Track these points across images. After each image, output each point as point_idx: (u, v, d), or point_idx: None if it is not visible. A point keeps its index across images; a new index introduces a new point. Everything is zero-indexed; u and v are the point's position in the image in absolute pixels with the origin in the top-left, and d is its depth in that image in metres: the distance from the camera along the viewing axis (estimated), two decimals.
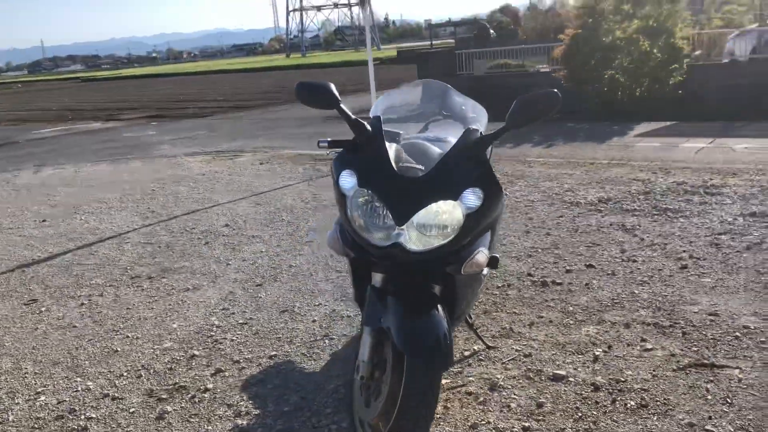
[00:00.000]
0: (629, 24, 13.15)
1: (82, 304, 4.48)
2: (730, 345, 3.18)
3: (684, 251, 4.46)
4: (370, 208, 2.33)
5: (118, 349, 3.72)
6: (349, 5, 76.94)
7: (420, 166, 2.37)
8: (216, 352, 3.58)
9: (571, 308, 3.73)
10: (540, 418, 2.72)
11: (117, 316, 4.21)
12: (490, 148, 2.65)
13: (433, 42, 48.55)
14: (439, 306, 2.39)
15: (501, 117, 2.42)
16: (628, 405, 2.76)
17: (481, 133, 2.49)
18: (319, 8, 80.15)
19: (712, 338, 3.26)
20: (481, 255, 2.42)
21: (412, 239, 2.28)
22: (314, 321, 3.89)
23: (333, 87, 2.54)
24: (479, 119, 2.61)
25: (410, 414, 2.25)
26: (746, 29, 14.42)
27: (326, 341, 3.61)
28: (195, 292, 4.54)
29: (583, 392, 2.88)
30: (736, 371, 2.95)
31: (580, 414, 2.73)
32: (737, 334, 3.27)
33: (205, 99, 26.17)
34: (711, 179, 6.55)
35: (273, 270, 4.86)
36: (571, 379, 2.99)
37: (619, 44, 13.06)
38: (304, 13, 76.73)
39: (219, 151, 11.48)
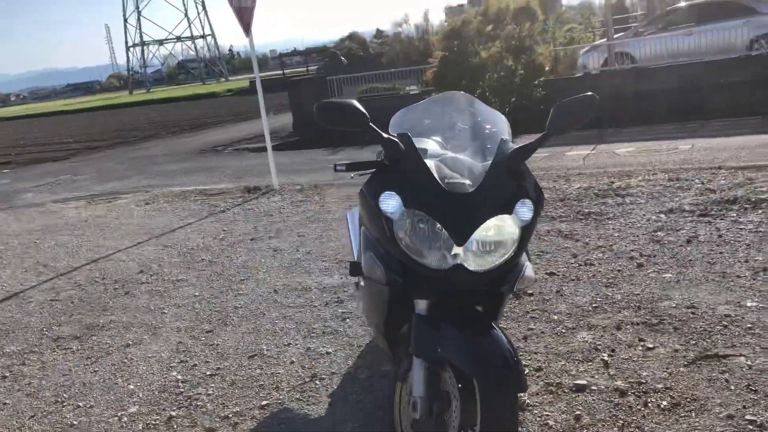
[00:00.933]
0: (493, 44, 13.80)
1: (4, 376, 3.87)
2: (722, 334, 3.29)
3: (632, 250, 4.62)
4: (422, 230, 2.16)
5: (74, 423, 3.23)
6: (192, 38, 74.83)
7: (467, 181, 2.23)
8: (196, 410, 3.20)
9: (555, 317, 3.72)
10: (584, 431, 2.64)
11: (54, 386, 3.67)
12: None
13: (285, 71, 48.49)
14: (493, 325, 2.26)
15: None
16: (662, 405, 2.75)
17: (512, 142, 2.40)
18: (161, 42, 77.12)
19: (703, 330, 3.35)
20: (530, 270, 2.33)
21: (472, 259, 2.13)
22: (292, 362, 3.60)
23: (359, 104, 2.34)
24: (505, 129, 2.51)
25: None
26: (596, 44, 15.54)
27: (317, 382, 3.34)
28: (138, 347, 4.08)
29: (612, 399, 2.84)
30: (742, 358, 3.04)
31: (621, 421, 2.68)
32: (724, 323, 3.39)
33: (53, 142, 24.27)
34: (613, 182, 6.89)
35: (218, 314, 4.47)
36: (593, 387, 2.95)
37: (487, 64, 13.66)
38: (145, 47, 73.62)
39: (93, 195, 10.61)
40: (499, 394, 2.11)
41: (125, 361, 3.90)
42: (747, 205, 5.35)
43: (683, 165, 7.46)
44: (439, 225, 2.13)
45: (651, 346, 3.25)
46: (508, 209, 2.17)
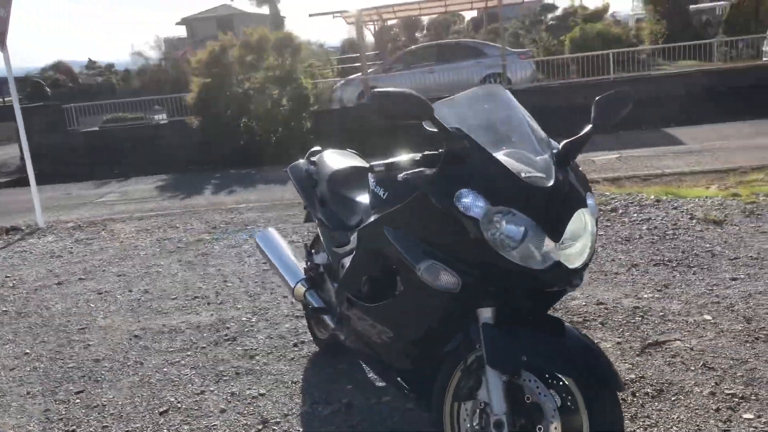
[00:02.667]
0: (256, 74, 13.60)
1: None
2: (647, 324, 3.52)
3: None
4: (511, 228, 1.95)
5: None
6: None
7: (541, 174, 2.07)
8: None
9: None
10: None
11: None
12: None
13: None
14: (565, 323, 2.15)
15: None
16: (649, 393, 2.84)
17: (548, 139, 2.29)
18: None
19: (627, 323, 3.56)
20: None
21: (567, 255, 2.00)
22: (224, 411, 3.04)
23: (418, 94, 2.07)
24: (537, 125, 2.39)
25: None
26: (351, 78, 16.17)
27: (275, 427, 2.86)
28: None
29: None
30: (679, 342, 3.28)
31: (629, 414, 2.70)
32: (639, 315, 3.64)
33: None
34: None
35: (78, 370, 3.64)
36: None
37: (251, 93, 13.41)
38: None
39: None
40: (604, 394, 1.99)
41: None
42: None
43: None
44: (532, 222, 1.95)
45: (595, 341, 3.36)
46: (583, 203, 2.08)
